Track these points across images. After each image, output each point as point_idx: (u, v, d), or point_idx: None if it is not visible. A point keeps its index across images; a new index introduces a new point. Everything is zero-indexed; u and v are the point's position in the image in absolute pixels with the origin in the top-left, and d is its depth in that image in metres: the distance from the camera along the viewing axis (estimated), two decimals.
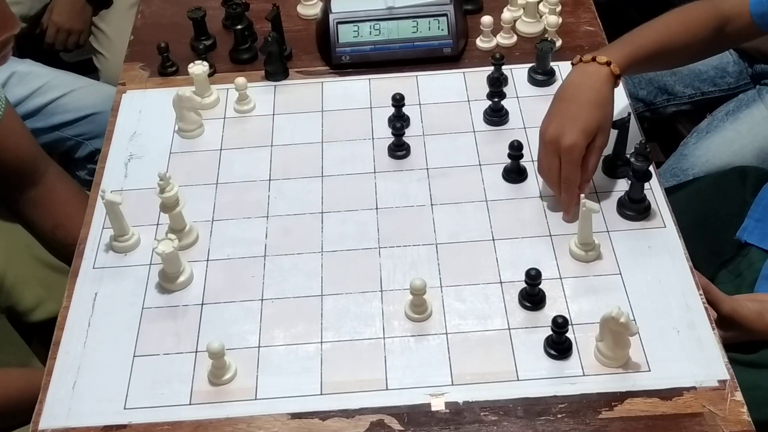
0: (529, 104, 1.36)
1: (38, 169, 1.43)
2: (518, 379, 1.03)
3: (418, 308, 1.08)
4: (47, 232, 1.45)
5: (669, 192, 1.23)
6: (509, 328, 1.07)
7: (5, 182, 1.42)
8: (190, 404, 1.02)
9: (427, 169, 1.28)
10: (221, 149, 1.33)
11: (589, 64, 1.18)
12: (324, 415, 1.01)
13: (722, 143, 1.63)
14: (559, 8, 1.46)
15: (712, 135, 1.66)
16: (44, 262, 1.46)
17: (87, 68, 2.15)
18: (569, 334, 1.04)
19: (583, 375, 1.02)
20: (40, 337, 1.45)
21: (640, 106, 1.78)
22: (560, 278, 1.12)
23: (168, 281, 1.14)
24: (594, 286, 1.11)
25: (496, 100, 1.32)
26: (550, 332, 1.03)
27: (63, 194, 1.46)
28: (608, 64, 1.17)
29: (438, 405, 1.01)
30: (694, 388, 1.00)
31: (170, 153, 1.33)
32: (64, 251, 1.43)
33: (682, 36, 1.23)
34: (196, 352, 1.07)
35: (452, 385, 1.02)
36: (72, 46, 2.06)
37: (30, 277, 1.43)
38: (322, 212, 1.23)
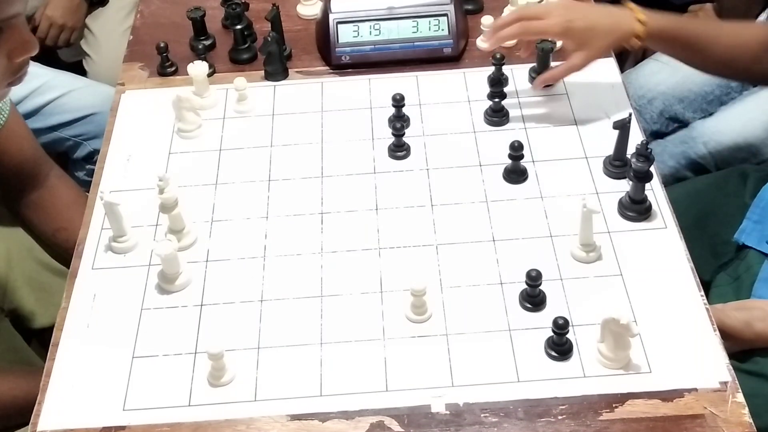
0: (529, 105, 1.35)
1: (41, 173, 1.43)
2: (519, 381, 1.02)
3: (418, 310, 1.08)
4: (48, 235, 1.45)
5: (668, 190, 1.23)
6: (510, 330, 1.07)
7: (7, 185, 1.42)
8: (189, 405, 1.02)
9: (428, 169, 1.28)
10: (221, 149, 1.33)
11: (631, 15, 1.24)
12: (323, 417, 1.00)
13: (731, 116, 1.66)
14: None
15: (719, 112, 1.69)
16: (46, 265, 1.46)
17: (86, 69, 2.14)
18: (570, 336, 1.04)
19: (584, 376, 1.02)
20: (39, 339, 1.45)
21: (650, 139, 1.78)
22: (561, 279, 1.12)
23: (167, 282, 1.14)
24: (595, 287, 1.11)
25: (496, 100, 1.32)
26: (551, 333, 1.03)
27: (65, 198, 1.46)
28: (642, 22, 1.23)
29: (438, 406, 1.00)
30: (695, 389, 1.00)
31: (169, 153, 1.33)
32: (66, 255, 1.42)
33: (727, 40, 1.27)
34: (196, 353, 1.07)
35: (452, 386, 1.02)
36: (63, 43, 2.04)
37: (32, 280, 1.43)
38: (321, 213, 1.22)
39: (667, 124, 1.78)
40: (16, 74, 1.06)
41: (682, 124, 1.76)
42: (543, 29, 1.25)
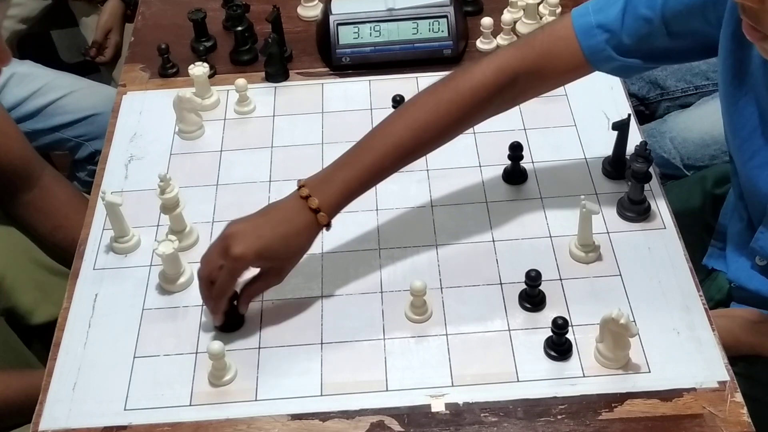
0: (529, 105, 1.35)
1: (33, 173, 1.43)
2: (518, 380, 1.03)
3: (418, 309, 1.08)
4: (46, 234, 1.45)
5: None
6: (509, 330, 1.08)
7: (0, 186, 1.42)
8: (190, 405, 1.02)
9: (427, 170, 1.28)
10: (221, 150, 1.34)
11: (301, 200, 1.05)
12: (324, 416, 1.01)
13: (702, 114, 1.66)
14: (559, 9, 1.46)
15: (693, 108, 1.69)
16: (42, 264, 1.46)
17: (87, 69, 2.15)
18: (569, 336, 1.04)
19: (583, 376, 1.03)
20: (40, 339, 1.45)
21: (633, 101, 1.78)
22: (560, 279, 1.12)
23: (168, 282, 1.14)
24: (594, 287, 1.12)
25: None
26: (550, 333, 1.03)
27: (60, 196, 1.46)
28: (317, 211, 1.05)
29: (438, 406, 1.01)
30: (694, 389, 1.00)
31: (170, 154, 1.33)
32: (63, 254, 1.42)
33: (452, 116, 1.10)
34: (197, 353, 1.07)
35: (452, 386, 1.02)
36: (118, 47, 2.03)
37: (28, 279, 1.43)
38: None
39: (648, 88, 1.78)
40: None
41: (663, 90, 1.76)
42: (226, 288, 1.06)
